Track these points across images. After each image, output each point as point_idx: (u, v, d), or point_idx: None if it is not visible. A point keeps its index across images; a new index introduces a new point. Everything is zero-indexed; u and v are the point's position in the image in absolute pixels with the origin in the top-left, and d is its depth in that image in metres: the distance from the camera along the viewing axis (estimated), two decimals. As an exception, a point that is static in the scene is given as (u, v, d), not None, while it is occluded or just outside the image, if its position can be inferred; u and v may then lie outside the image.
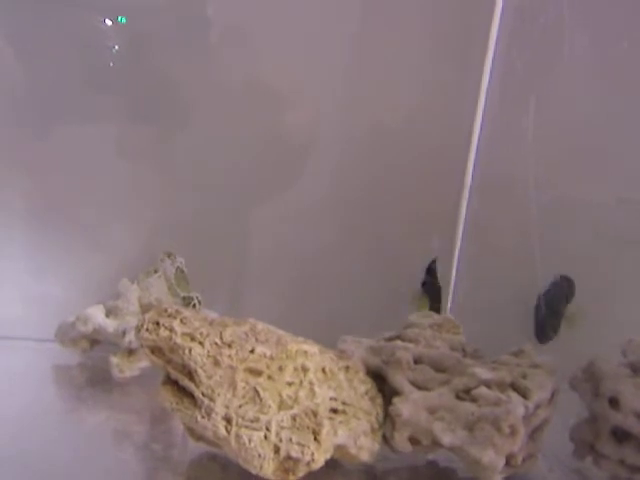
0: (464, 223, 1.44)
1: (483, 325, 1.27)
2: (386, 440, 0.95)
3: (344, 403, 0.93)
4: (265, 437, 0.85)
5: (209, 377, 0.86)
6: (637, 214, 1.22)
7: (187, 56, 1.40)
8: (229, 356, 0.88)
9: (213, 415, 0.85)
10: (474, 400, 0.93)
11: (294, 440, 0.86)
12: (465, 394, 0.94)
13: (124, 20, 1.36)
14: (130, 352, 1.25)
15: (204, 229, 1.44)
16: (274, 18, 1.37)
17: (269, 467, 0.85)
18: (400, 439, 0.93)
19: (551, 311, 1.27)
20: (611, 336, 1.14)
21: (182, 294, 1.33)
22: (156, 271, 1.34)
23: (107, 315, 1.30)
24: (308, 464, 0.86)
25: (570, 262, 1.29)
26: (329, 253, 1.47)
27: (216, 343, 0.88)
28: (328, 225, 1.47)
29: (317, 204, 1.46)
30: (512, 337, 1.23)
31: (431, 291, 1.39)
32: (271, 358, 0.90)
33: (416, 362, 1.00)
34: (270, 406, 0.87)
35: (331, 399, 0.92)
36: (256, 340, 0.91)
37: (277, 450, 0.85)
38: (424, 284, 1.39)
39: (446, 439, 0.90)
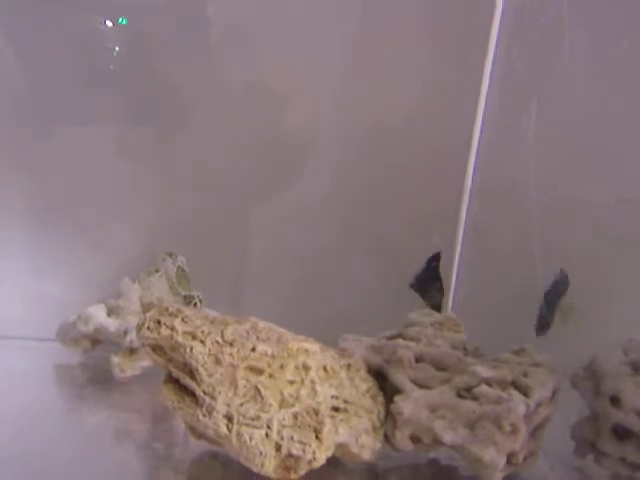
0: (465, 223, 1.44)
1: (484, 324, 1.27)
2: (387, 438, 0.95)
3: (345, 401, 0.93)
4: (266, 435, 0.85)
5: (210, 375, 0.86)
6: (637, 214, 1.22)
7: (187, 56, 1.40)
8: (230, 354, 0.88)
9: (214, 413, 0.85)
10: (475, 398, 0.93)
11: (295, 438, 0.86)
12: (466, 392, 0.94)
13: (125, 21, 1.36)
14: (131, 351, 1.25)
15: (204, 229, 1.44)
16: (274, 18, 1.37)
17: (270, 465, 0.85)
18: (401, 437, 0.93)
19: (548, 304, 1.27)
20: (612, 335, 1.14)
21: (183, 293, 1.33)
22: (157, 270, 1.34)
23: (108, 314, 1.30)
24: (309, 462, 0.86)
25: (570, 262, 1.29)
26: (329, 253, 1.47)
27: (217, 341, 0.88)
28: (328, 225, 1.47)
29: (317, 204, 1.46)
30: (513, 336, 1.23)
31: (430, 287, 1.39)
32: (272, 356, 0.90)
33: (417, 360, 1.00)
34: (271, 404, 0.87)
35: (332, 397, 0.92)
36: (257, 338, 0.91)
37: (278, 448, 0.85)
38: (423, 279, 1.39)
39: (447, 437, 0.90)
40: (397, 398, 0.94)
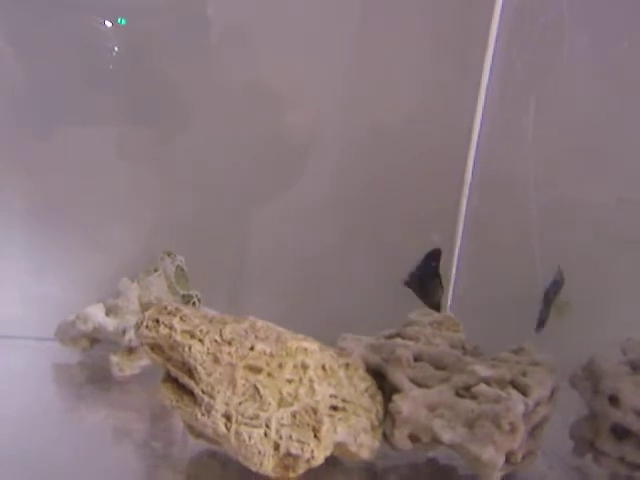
0: (464, 223, 1.44)
1: (483, 321, 1.27)
2: (386, 437, 0.95)
3: (344, 400, 0.93)
4: (265, 434, 0.85)
5: (209, 374, 0.86)
6: (637, 214, 1.22)
7: (187, 56, 1.40)
8: (229, 353, 0.88)
9: (213, 412, 0.85)
10: (474, 397, 0.93)
11: (294, 437, 0.86)
12: (465, 391, 0.94)
13: (124, 22, 1.36)
14: (130, 351, 1.25)
15: (204, 229, 1.44)
16: (274, 18, 1.37)
17: (269, 464, 0.85)
18: (400, 436, 0.93)
19: (546, 301, 1.27)
20: (611, 335, 1.14)
21: (182, 292, 1.33)
22: (156, 270, 1.34)
23: (107, 314, 1.30)
24: (308, 461, 0.86)
25: (570, 262, 1.29)
26: (329, 253, 1.47)
27: (216, 340, 0.88)
28: (328, 225, 1.47)
29: (317, 204, 1.46)
30: (512, 333, 1.22)
31: (429, 286, 1.39)
32: (271, 355, 0.90)
33: (416, 360, 1.00)
34: (270, 403, 0.87)
35: (331, 396, 0.92)
36: (256, 337, 0.91)
37: (277, 447, 0.85)
38: (423, 278, 1.39)
39: (446, 436, 0.90)
40: (396, 397, 0.94)
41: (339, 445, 0.91)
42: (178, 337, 0.87)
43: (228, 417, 0.85)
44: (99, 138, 1.41)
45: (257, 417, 0.85)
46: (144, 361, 1.22)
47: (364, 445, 0.93)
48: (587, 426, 0.98)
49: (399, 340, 1.03)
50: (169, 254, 1.35)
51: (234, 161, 1.43)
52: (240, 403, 0.86)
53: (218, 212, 1.46)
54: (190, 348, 0.87)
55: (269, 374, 0.89)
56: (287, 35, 1.38)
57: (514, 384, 0.94)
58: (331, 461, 0.90)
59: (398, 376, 0.97)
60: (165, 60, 1.40)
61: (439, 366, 1.00)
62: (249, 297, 1.50)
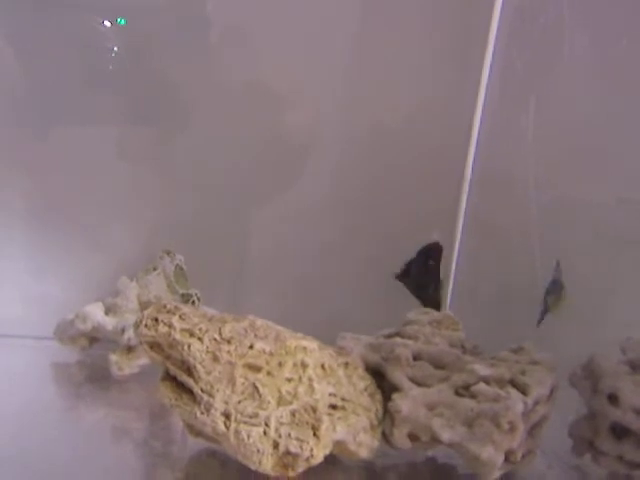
0: (464, 222, 1.44)
1: (483, 321, 1.27)
2: (385, 436, 0.95)
3: (343, 399, 0.93)
4: (264, 433, 0.85)
5: (208, 373, 0.86)
6: (637, 214, 1.22)
7: (187, 56, 1.40)
8: (228, 352, 0.88)
9: (212, 411, 0.85)
10: (473, 396, 0.93)
11: (293, 436, 0.86)
12: (464, 390, 0.95)
13: (123, 22, 1.36)
14: (129, 349, 1.25)
15: (204, 229, 1.44)
16: (274, 18, 1.37)
17: (268, 462, 0.85)
18: (399, 435, 0.93)
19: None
20: (610, 334, 1.14)
21: (181, 291, 1.33)
22: (155, 269, 1.34)
23: (106, 313, 1.30)
24: (307, 460, 0.86)
25: (570, 261, 1.29)
26: (329, 253, 1.47)
27: (215, 339, 0.89)
28: (328, 225, 1.47)
29: (317, 204, 1.46)
30: (512, 333, 1.23)
31: (428, 285, 1.39)
32: (270, 354, 0.90)
33: (415, 359, 1.00)
34: (269, 402, 0.87)
35: (330, 395, 0.92)
36: (255, 336, 0.91)
37: (276, 446, 0.85)
38: (422, 277, 1.39)
39: (445, 435, 0.90)
40: (395, 396, 0.94)
41: (338, 444, 0.91)
42: (177, 336, 0.88)
43: (227, 416, 0.85)
44: (99, 138, 1.41)
45: (256, 416, 0.85)
46: (143, 360, 1.22)
47: (363, 444, 0.93)
48: (586, 425, 0.98)
49: (398, 339, 1.03)
50: (168, 253, 1.35)
51: (234, 161, 1.43)
52: (239, 402, 0.86)
53: (218, 212, 1.46)
54: (189, 347, 0.87)
55: (268, 373, 0.89)
56: (287, 35, 1.38)
57: (513, 383, 0.94)
58: (330, 460, 0.90)
59: (397, 375, 0.97)
60: (165, 60, 1.40)
61: (438, 365, 1.00)
62: (249, 297, 1.50)
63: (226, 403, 0.85)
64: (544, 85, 1.34)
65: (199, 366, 0.86)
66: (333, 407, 0.92)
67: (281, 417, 0.87)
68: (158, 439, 1.03)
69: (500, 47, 1.38)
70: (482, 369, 0.96)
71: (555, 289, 1.27)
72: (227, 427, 0.85)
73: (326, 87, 1.43)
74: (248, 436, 0.84)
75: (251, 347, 0.90)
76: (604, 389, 0.95)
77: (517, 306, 1.34)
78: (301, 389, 0.90)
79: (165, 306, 0.91)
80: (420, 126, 1.43)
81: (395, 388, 0.96)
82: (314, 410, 0.89)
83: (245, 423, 0.85)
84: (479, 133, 1.41)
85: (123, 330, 1.24)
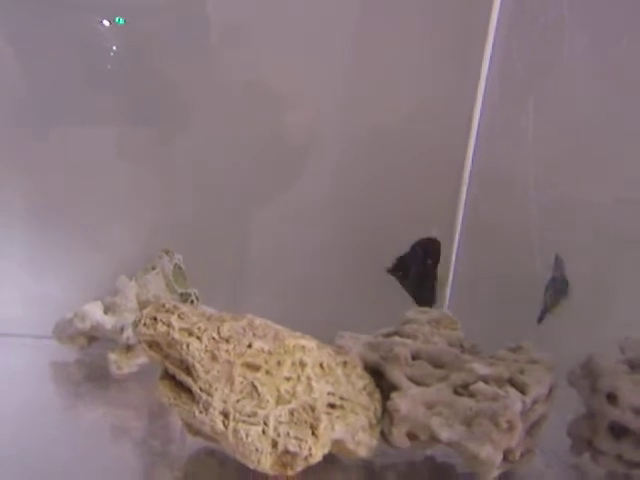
0: (463, 222, 1.44)
1: (481, 320, 1.27)
2: (384, 435, 0.95)
3: (342, 398, 0.93)
4: (263, 432, 0.85)
5: (207, 372, 0.86)
6: (637, 214, 1.22)
7: (187, 56, 1.40)
8: (227, 351, 0.88)
9: (211, 410, 0.85)
10: (472, 395, 0.93)
11: (292, 435, 0.86)
12: (463, 389, 0.94)
13: (122, 21, 1.36)
14: (128, 348, 1.25)
15: (204, 229, 1.44)
16: (274, 18, 1.38)
17: (267, 461, 0.85)
18: (398, 434, 0.93)
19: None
20: (610, 334, 1.14)
21: (180, 290, 1.33)
22: (154, 268, 1.34)
23: (105, 312, 1.30)
24: (306, 459, 0.86)
25: (570, 261, 1.29)
26: (329, 253, 1.47)
27: (214, 338, 0.89)
28: (328, 225, 1.47)
29: (317, 204, 1.46)
30: (510, 332, 1.22)
31: (426, 285, 1.40)
32: (269, 353, 0.90)
33: (414, 358, 1.00)
34: (268, 401, 0.87)
35: (329, 394, 0.92)
36: (254, 335, 0.91)
37: (275, 445, 0.85)
38: (420, 276, 1.40)
39: (444, 434, 0.90)
40: (394, 395, 0.94)
41: (337, 443, 0.91)
42: (176, 335, 0.88)
43: (226, 414, 0.85)
44: (99, 138, 1.41)
45: (255, 415, 0.85)
46: (142, 359, 1.22)
47: (362, 443, 0.92)
48: (585, 424, 0.98)
49: (397, 338, 1.03)
50: (167, 252, 1.35)
51: (234, 161, 1.44)
52: (238, 401, 0.86)
53: (218, 212, 1.46)
54: (188, 346, 0.87)
55: (267, 372, 0.89)
56: (287, 35, 1.39)
57: (512, 382, 0.94)
58: (329, 459, 0.90)
59: (396, 374, 0.97)
60: (165, 60, 1.41)
61: (437, 364, 1.00)
62: (249, 297, 1.50)
63: (225, 402, 0.85)
64: (544, 85, 1.34)
65: (198, 365, 0.86)
66: (332, 406, 0.91)
67: (280, 416, 0.87)
68: (157, 438, 1.03)
69: (500, 47, 1.38)
70: (481, 368, 0.96)
71: (555, 285, 1.27)
72: (226, 426, 0.85)
73: (326, 87, 1.43)
74: (247, 435, 0.84)
75: (250, 346, 0.89)
76: (603, 388, 0.95)
77: (516, 305, 1.34)
78: (300, 388, 0.90)
79: (164, 305, 0.91)
80: (420, 126, 1.43)
81: (394, 387, 0.96)
82: (313, 409, 0.89)
83: (244, 422, 0.85)
84: (479, 133, 1.42)
85: (122, 329, 1.24)
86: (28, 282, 1.44)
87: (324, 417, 0.89)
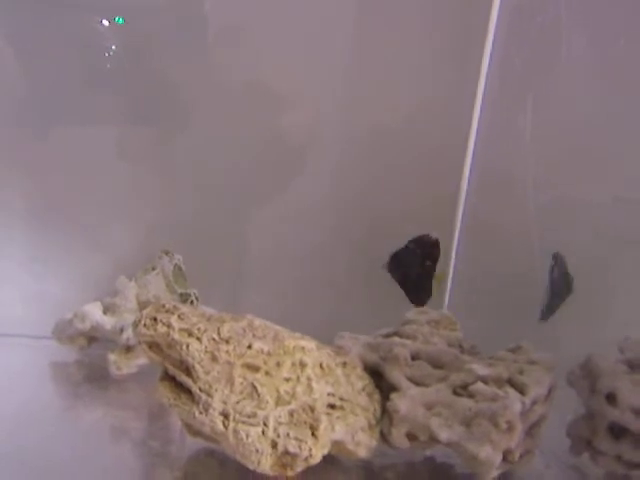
0: (463, 222, 1.44)
1: (481, 321, 1.27)
2: (383, 436, 0.95)
3: (342, 399, 0.93)
4: (263, 432, 0.85)
5: (207, 373, 0.86)
6: (636, 214, 1.22)
7: (187, 56, 1.40)
8: (227, 352, 0.88)
9: (211, 411, 0.85)
10: (471, 396, 0.93)
11: (292, 435, 0.86)
12: (462, 390, 0.95)
13: (121, 21, 1.36)
14: (128, 349, 1.25)
15: (204, 229, 1.44)
16: (274, 18, 1.37)
17: (267, 462, 0.85)
18: (397, 435, 0.93)
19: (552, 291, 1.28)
20: (609, 334, 1.14)
21: (179, 291, 1.33)
22: (154, 268, 1.34)
23: (105, 312, 1.30)
24: (306, 459, 0.86)
25: (569, 261, 1.29)
26: (329, 253, 1.47)
27: (214, 339, 0.89)
28: (328, 225, 1.47)
29: (317, 204, 1.46)
30: (510, 333, 1.22)
31: (425, 286, 1.40)
32: (269, 354, 0.90)
33: (413, 358, 1.00)
34: (268, 402, 0.87)
35: (329, 395, 0.92)
36: (253, 336, 0.91)
37: (275, 445, 0.86)
38: (418, 277, 1.40)
39: (443, 435, 0.90)
40: (393, 396, 0.94)
41: (337, 443, 0.91)
42: (176, 335, 0.88)
43: (226, 415, 0.85)
44: (99, 138, 1.41)
45: (255, 415, 0.86)
46: (142, 359, 1.23)
47: (362, 443, 0.93)
48: (584, 425, 0.99)
49: (397, 339, 1.03)
50: (167, 253, 1.35)
51: (234, 161, 1.43)
52: (238, 401, 0.86)
53: (218, 212, 1.46)
54: (188, 346, 0.87)
55: (267, 372, 0.89)
56: (287, 35, 1.38)
57: (511, 383, 0.94)
58: (329, 459, 0.90)
59: (396, 375, 0.97)
60: (165, 60, 1.40)
61: (437, 365, 1.00)
62: (248, 297, 1.50)
63: (225, 403, 0.86)
64: (543, 85, 1.34)
65: (198, 366, 0.86)
66: (331, 407, 0.92)
67: (279, 417, 0.87)
68: (157, 439, 1.03)
69: (499, 47, 1.38)
70: (480, 369, 0.96)
71: (559, 283, 1.27)
72: (226, 427, 0.85)
73: (326, 87, 1.43)
74: (247, 436, 0.84)
75: (249, 347, 0.90)
76: (602, 389, 0.95)
77: (515, 306, 1.35)
78: (299, 389, 0.90)
79: (164, 306, 0.91)
80: (420, 126, 1.43)
81: (393, 388, 0.97)
82: (312, 410, 0.89)
83: (243, 423, 0.85)
84: (478, 133, 1.41)
85: (122, 330, 1.24)
86: (27, 282, 1.44)
87: (324, 418, 0.89)
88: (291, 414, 0.88)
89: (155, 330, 0.88)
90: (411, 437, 0.94)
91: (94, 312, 1.28)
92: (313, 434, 0.87)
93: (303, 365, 0.92)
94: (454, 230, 1.44)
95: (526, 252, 1.34)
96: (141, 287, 1.32)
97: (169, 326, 0.88)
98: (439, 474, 1.01)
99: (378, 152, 1.44)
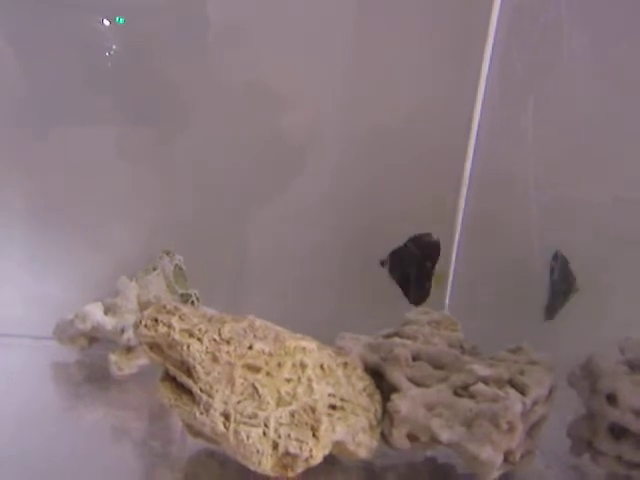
0: (463, 223, 1.44)
1: (481, 321, 1.27)
2: (384, 437, 0.95)
3: (342, 399, 0.93)
4: (263, 433, 0.85)
5: (207, 373, 0.86)
6: (637, 214, 1.22)
7: (187, 56, 1.40)
8: (227, 352, 0.88)
9: (211, 411, 0.85)
10: (472, 397, 0.93)
11: (292, 436, 0.86)
12: (463, 391, 0.95)
13: (122, 21, 1.36)
14: (128, 349, 1.25)
15: (204, 229, 1.44)
16: (274, 18, 1.37)
17: (267, 463, 0.85)
18: (398, 435, 0.93)
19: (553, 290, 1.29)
20: (610, 334, 1.14)
21: (180, 291, 1.33)
22: (155, 269, 1.34)
23: (106, 313, 1.30)
24: (306, 460, 0.86)
25: (570, 262, 1.29)
26: (329, 253, 1.47)
27: (214, 339, 0.89)
28: (328, 225, 1.47)
29: (317, 204, 1.46)
30: (510, 334, 1.22)
31: (423, 285, 1.40)
32: (269, 354, 0.90)
33: (414, 359, 1.00)
34: (268, 402, 0.87)
35: (329, 395, 0.92)
36: (254, 336, 0.91)
37: (275, 446, 0.85)
38: (417, 277, 1.40)
39: (444, 435, 0.90)
40: (394, 396, 0.94)
41: (337, 444, 0.91)
42: (177, 336, 0.88)
43: (227, 416, 0.85)
44: (99, 138, 1.41)
45: (256, 416, 0.85)
46: (142, 360, 1.22)
47: (362, 444, 0.93)
48: (585, 425, 0.99)
49: (397, 339, 1.03)
50: (168, 253, 1.35)
51: (234, 161, 1.43)
52: (239, 402, 0.86)
53: (218, 212, 1.46)
54: (189, 347, 0.87)
55: (268, 373, 0.89)
56: (287, 35, 1.38)
57: (512, 383, 0.94)
58: (329, 460, 0.90)
59: (396, 375, 0.97)
60: (165, 60, 1.40)
61: (437, 365, 1.00)
62: (249, 297, 1.50)
63: (225, 403, 0.86)
64: (543, 85, 1.34)
65: (198, 366, 0.86)
66: (332, 407, 0.92)
67: (280, 417, 0.87)
68: (157, 439, 1.03)
69: (499, 47, 1.38)
70: (481, 369, 0.96)
71: (563, 282, 1.27)
72: (226, 427, 0.85)
73: (326, 87, 1.43)
74: (247, 437, 0.84)
75: (250, 347, 0.90)
76: (603, 389, 0.95)
77: (516, 306, 1.35)
78: (300, 389, 0.90)
79: (165, 306, 0.91)
80: (420, 126, 1.43)
81: (394, 388, 0.97)
82: (313, 410, 0.89)
83: (244, 424, 0.85)
84: (479, 133, 1.41)
85: (123, 330, 1.24)
86: (28, 282, 1.44)
87: (325, 418, 0.89)
88: (292, 415, 0.88)
89: (156, 331, 0.88)
90: (412, 438, 0.94)
91: (95, 312, 1.28)
92: (314, 435, 0.87)
93: (304, 366, 0.92)
94: (455, 230, 1.44)
95: (527, 252, 1.34)
96: (142, 287, 1.32)
97: (170, 327, 0.88)
98: (440, 475, 1.01)
99: (378, 152, 1.44)
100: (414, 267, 1.42)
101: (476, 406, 0.91)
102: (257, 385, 0.87)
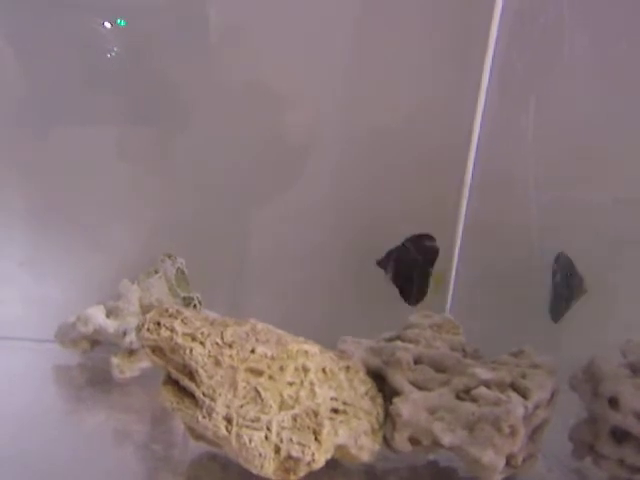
0: (464, 224, 1.44)
1: (483, 325, 1.27)
2: (386, 440, 0.95)
3: (345, 403, 0.93)
4: (266, 437, 0.85)
5: (210, 377, 0.86)
6: (637, 214, 1.22)
7: (187, 57, 1.40)
8: (230, 356, 0.88)
9: (214, 415, 0.85)
10: (474, 400, 0.93)
11: (295, 440, 0.86)
12: (465, 394, 0.95)
13: (123, 23, 1.35)
14: (131, 353, 1.25)
15: (204, 229, 1.44)
16: (274, 18, 1.37)
17: (270, 467, 0.85)
18: (400, 439, 0.93)
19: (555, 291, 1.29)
20: (611, 337, 1.14)
21: (182, 294, 1.33)
22: (157, 272, 1.34)
23: (108, 316, 1.30)
24: (309, 464, 0.86)
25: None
26: (329, 253, 1.47)
27: (217, 343, 0.89)
28: (328, 225, 1.47)
29: (317, 204, 1.46)
30: (512, 337, 1.23)
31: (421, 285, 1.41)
32: (272, 358, 0.90)
33: (416, 362, 1.00)
34: (271, 406, 0.87)
35: (332, 399, 0.92)
36: (257, 340, 0.91)
37: (278, 450, 0.85)
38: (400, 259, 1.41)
39: (446, 439, 0.90)
40: (396, 400, 0.94)
41: (340, 448, 0.91)
42: (179, 340, 0.88)
43: (229, 420, 0.85)
44: (99, 138, 1.41)
45: (258, 420, 0.86)
46: (145, 363, 1.23)
47: (364, 448, 0.93)
48: (587, 429, 0.99)
49: (399, 343, 1.04)
50: (169, 256, 1.35)
51: (234, 161, 1.43)
52: (241, 406, 0.86)
53: (218, 212, 1.46)
54: (191, 351, 0.87)
55: (270, 377, 0.89)
56: (287, 35, 1.38)
57: (514, 387, 0.94)
58: (332, 464, 0.90)
59: (398, 379, 0.97)
60: (165, 60, 1.40)
61: (439, 369, 1.00)
62: (249, 298, 1.50)
63: (228, 407, 0.86)
64: (544, 85, 1.34)
65: (201, 370, 0.86)
66: (334, 411, 0.92)
67: (283, 421, 0.87)
68: (159, 442, 1.03)
69: (500, 47, 1.38)
70: (483, 373, 0.96)
71: (570, 283, 1.27)
72: (229, 431, 0.85)
73: (326, 87, 1.43)
74: (250, 440, 0.84)
75: (253, 351, 0.90)
76: (604, 392, 0.95)
77: (518, 309, 1.35)
78: (303, 393, 0.90)
79: (167, 310, 0.91)
80: (420, 126, 1.43)
81: (396, 392, 0.97)
82: (315, 414, 0.89)
83: (247, 427, 0.85)
84: (479, 133, 1.41)
85: (125, 333, 1.24)
86: (28, 283, 1.44)
87: (327, 422, 0.89)
88: (294, 419, 0.88)
89: (158, 334, 0.88)
90: (414, 441, 0.94)
91: (97, 315, 1.28)
92: (316, 439, 0.87)
93: (306, 369, 0.92)
94: (455, 231, 1.44)
95: (527, 252, 1.34)
96: (144, 290, 1.32)
97: (172, 330, 0.88)
98: (442, 478, 1.01)
99: (378, 152, 1.44)
100: (411, 267, 1.42)
101: (478, 410, 0.91)
102: (259, 389, 0.87)
